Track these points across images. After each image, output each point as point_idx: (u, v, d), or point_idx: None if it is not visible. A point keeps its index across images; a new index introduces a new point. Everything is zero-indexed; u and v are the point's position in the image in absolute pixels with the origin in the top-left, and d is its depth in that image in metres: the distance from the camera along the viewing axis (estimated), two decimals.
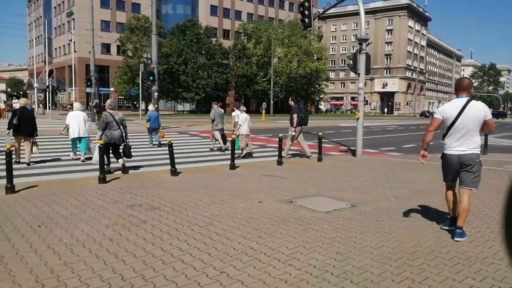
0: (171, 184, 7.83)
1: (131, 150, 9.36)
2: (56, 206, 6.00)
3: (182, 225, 5.13)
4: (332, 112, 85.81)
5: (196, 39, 52.47)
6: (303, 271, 3.75)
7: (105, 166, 8.35)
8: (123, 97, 58.90)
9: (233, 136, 10.99)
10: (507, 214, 1.06)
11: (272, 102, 53.79)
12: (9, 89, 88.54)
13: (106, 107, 9.37)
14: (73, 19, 60.73)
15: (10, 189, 6.83)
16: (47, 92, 44.67)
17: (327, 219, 5.51)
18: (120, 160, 9.05)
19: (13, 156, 8.05)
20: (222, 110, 14.98)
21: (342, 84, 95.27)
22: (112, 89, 55.71)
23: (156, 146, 14.95)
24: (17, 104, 18.21)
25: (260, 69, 59.61)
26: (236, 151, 12.18)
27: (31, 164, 10.21)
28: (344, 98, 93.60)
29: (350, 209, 6.09)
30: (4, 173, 6.88)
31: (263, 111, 42.61)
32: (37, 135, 10.43)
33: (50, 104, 45.91)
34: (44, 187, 7.35)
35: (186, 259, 4.00)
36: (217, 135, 14.36)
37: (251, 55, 59.35)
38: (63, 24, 66.22)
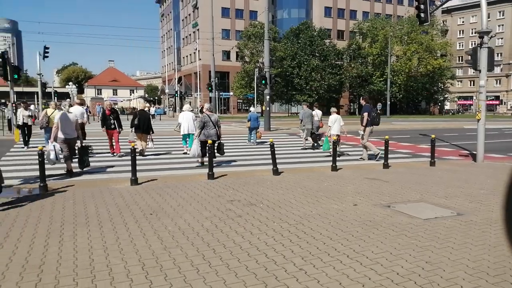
0: (271, 182, 8.14)
1: (225, 147, 10.37)
2: (168, 197, 6.75)
3: (272, 222, 5.35)
4: (460, 113, 78.02)
5: (310, 42, 52.75)
6: (384, 276, 3.64)
7: (201, 158, 10.39)
8: (241, 101, 62.09)
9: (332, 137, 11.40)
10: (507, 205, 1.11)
11: (388, 102, 51.23)
12: (146, 95, 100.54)
13: (204, 110, 10.52)
14: (198, 29, 66.11)
15: (134, 181, 7.88)
16: (176, 97, 49.44)
17: (424, 226, 5.19)
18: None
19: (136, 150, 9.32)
20: (311, 111, 15.56)
21: (471, 82, 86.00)
22: (231, 93, 59.15)
23: (255, 144, 16.23)
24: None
25: (376, 68, 57.33)
26: (326, 151, 13.23)
27: (145, 155, 12.42)
28: (474, 98, 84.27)
29: (455, 218, 5.61)
30: (130, 168, 7.97)
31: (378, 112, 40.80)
32: (152, 132, 12.76)
33: (178, 108, 50.79)
34: (161, 181, 8.29)
35: (269, 253, 4.20)
36: (305, 134, 15.13)
37: (366, 54, 57.42)
38: (190, 34, 72.51)
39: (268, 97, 23.42)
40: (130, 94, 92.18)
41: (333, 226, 5.16)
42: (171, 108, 59.03)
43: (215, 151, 9.77)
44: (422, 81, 56.54)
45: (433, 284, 3.48)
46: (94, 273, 3.68)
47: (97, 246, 4.39)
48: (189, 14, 72.64)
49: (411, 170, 10.15)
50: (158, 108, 69.09)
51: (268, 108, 23.52)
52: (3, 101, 76.38)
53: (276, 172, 9.12)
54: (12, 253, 4.17)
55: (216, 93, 41.89)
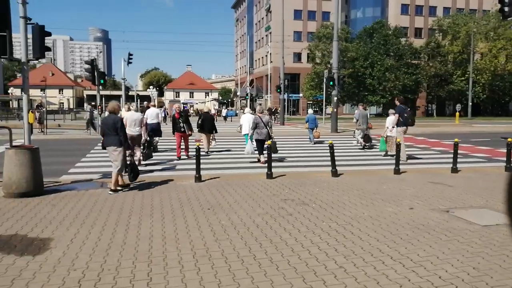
0: (328, 184, 8.20)
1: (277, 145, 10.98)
2: (226, 194, 7.15)
3: (322, 221, 5.47)
4: None
5: (384, 41, 50.99)
6: (425, 279, 3.62)
7: (258, 156, 11.52)
8: (311, 102, 61.84)
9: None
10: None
11: (470, 103, 47.71)
12: (220, 98, 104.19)
13: (256, 112, 11.57)
14: (270, 32, 67.04)
15: (198, 178, 8.42)
16: (246, 99, 50.68)
17: (481, 233, 4.97)
18: (261, 156, 11.36)
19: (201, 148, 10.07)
20: (367, 111, 16.72)
21: None
22: (301, 94, 59.14)
23: (313, 143, 17.17)
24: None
25: (457, 67, 53.65)
26: (380, 152, 13.77)
27: (209, 153, 13.55)
28: None
29: None
30: (194, 166, 8.53)
31: (457, 113, 38.25)
32: (216, 132, 13.76)
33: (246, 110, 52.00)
34: (223, 179, 8.74)
35: (313, 250, 4.35)
36: (358, 133, 16.03)
37: (446, 53, 54.00)
38: (262, 38, 73.78)
39: (335, 98, 23.19)
40: (205, 97, 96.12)
41: (382, 228, 5.15)
42: (242, 110, 60.54)
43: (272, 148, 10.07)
44: (510, 80, 51.82)
45: (479, 283, 3.40)
46: (151, 258, 4.12)
47: (157, 235, 4.86)
48: (262, 18, 73.94)
49: (482, 175, 9.54)
50: (230, 110, 71.26)
51: (335, 110, 23.28)
52: (93, 103, 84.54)
53: (334, 173, 9.14)
54: (85, 237, 4.78)
55: (286, 94, 42.28)
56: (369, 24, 54.75)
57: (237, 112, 65.35)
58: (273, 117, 37.03)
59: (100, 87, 18.97)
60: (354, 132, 17.41)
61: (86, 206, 6.28)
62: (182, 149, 12.50)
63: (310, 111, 18.01)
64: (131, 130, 10.31)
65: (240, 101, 74.11)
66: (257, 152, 11.49)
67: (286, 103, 62.09)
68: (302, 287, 3.48)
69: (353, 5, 65.97)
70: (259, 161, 11.48)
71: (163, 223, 5.34)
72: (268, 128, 11.08)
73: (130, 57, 34.76)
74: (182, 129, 12.20)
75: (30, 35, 7.69)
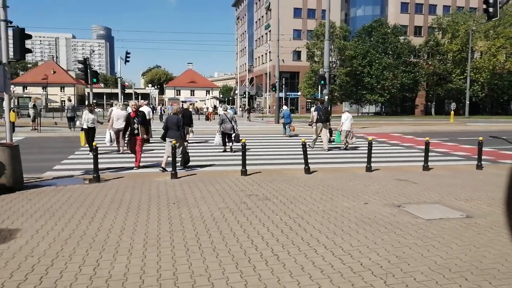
0: (298, 180, 8.54)
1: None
2: (196, 190, 7.51)
3: (276, 215, 5.82)
4: None
5: (383, 39, 51.12)
6: (347, 266, 3.97)
7: (223, 147, 13.64)
8: (310, 101, 62.07)
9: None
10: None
11: (467, 102, 47.80)
12: (221, 96, 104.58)
13: (222, 110, 13.79)
14: (270, 31, 67.25)
15: (174, 175, 8.78)
16: (244, 98, 51.01)
17: (420, 226, 5.31)
18: (229, 144, 13.75)
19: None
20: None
21: None
22: (299, 93, 59.40)
23: (288, 137, 19.77)
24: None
25: (456, 66, 53.71)
26: (338, 144, 15.97)
27: (188, 144, 15.03)
28: None
29: (460, 220, 5.62)
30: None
31: (452, 112, 38.41)
32: (192, 126, 14.94)
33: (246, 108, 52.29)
34: (199, 176, 9.10)
35: (256, 240, 4.71)
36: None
37: (445, 51, 54.06)
38: (262, 36, 74.00)
39: (326, 97, 23.46)
40: (206, 95, 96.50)
41: (329, 221, 5.49)
42: (240, 108, 60.81)
43: (233, 139, 13.47)
44: (509, 78, 51.85)
45: (388, 276, 3.74)
46: (105, 247, 4.48)
47: (117, 227, 5.23)
48: (262, 16, 74.13)
49: (452, 173, 9.85)
50: (231, 108, 71.48)
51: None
52: (94, 101, 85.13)
53: (307, 171, 9.48)
54: (50, 228, 5.16)
55: (284, 93, 42.74)
56: (369, 23, 54.87)
57: (236, 110, 65.67)
58: (249, 114, 40.41)
59: (102, 85, 19.42)
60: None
61: (60, 200, 6.66)
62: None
63: (285, 107, 21.23)
64: (117, 124, 13.12)
65: (241, 99, 74.45)
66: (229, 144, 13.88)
67: (284, 102, 62.34)
68: (233, 271, 3.83)
69: (353, 3, 66.05)
70: (225, 151, 13.56)
71: (126, 217, 5.71)
72: (232, 123, 13.42)
73: (128, 55, 35.19)
74: (136, 131, 9.96)
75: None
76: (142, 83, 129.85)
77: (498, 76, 51.94)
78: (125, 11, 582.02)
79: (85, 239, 4.74)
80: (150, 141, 14.99)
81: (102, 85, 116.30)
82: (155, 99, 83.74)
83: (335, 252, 4.34)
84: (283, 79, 54.14)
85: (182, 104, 24.73)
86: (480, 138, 10.74)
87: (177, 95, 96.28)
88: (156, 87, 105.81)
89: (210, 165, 11.19)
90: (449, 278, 3.68)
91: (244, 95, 49.45)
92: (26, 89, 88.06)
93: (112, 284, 3.56)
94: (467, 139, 19.63)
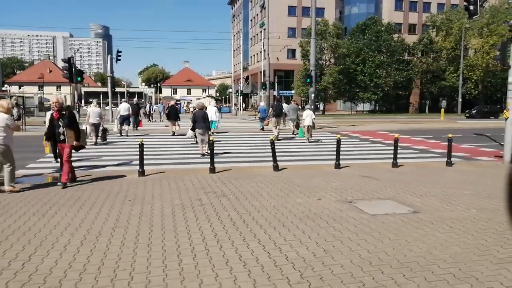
0: (264, 177, 8.62)
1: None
2: (157, 187, 7.58)
3: (226, 211, 5.91)
4: None
5: (376, 37, 51.16)
6: (272, 259, 4.06)
7: (194, 139, 14.50)
8: (304, 99, 62.10)
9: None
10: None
11: (460, 100, 47.89)
12: (217, 94, 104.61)
13: (193, 108, 15.08)
14: (264, 29, 67.24)
15: (141, 173, 8.86)
16: (238, 96, 51.12)
17: (363, 221, 5.40)
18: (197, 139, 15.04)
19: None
20: (296, 106, 20.38)
21: None
22: (293, 91, 59.46)
23: (262, 130, 21.95)
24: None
25: (450, 63, 53.82)
26: (301, 138, 17.86)
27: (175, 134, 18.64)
28: None
29: (404, 215, 5.70)
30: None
31: (442, 110, 38.49)
32: (179, 119, 19.06)
33: (242, 106, 52.40)
34: (168, 174, 9.16)
35: (194, 235, 4.80)
36: (290, 124, 20.28)
37: (439, 49, 54.13)
38: (257, 34, 73.99)
39: (312, 95, 23.55)
40: (203, 93, 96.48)
41: (274, 217, 5.58)
42: (236, 106, 60.89)
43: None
44: (502, 76, 51.84)
45: (306, 269, 3.82)
46: (42, 242, 4.57)
47: (63, 223, 5.31)
48: (257, 14, 74.10)
49: (421, 170, 9.94)
50: (226, 106, 71.61)
51: (312, 107, 23.58)
52: (91, 100, 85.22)
53: (276, 168, 9.56)
54: None
55: (271, 91, 42.77)
56: (362, 20, 54.88)
57: (232, 108, 65.69)
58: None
59: (99, 84, 19.60)
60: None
61: (17, 198, 6.74)
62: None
63: (262, 103, 24.77)
64: (93, 119, 15.15)
65: (237, 97, 74.51)
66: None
67: (278, 98, 61.93)
68: (158, 265, 3.92)
69: (347, 1, 65.99)
70: (196, 142, 14.07)
71: (77, 214, 5.79)
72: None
73: (119, 54, 35.18)
74: (62, 137, 7.80)
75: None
76: (139, 82, 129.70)
77: (491, 73, 51.99)
78: (123, 9, 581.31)
79: (27, 235, 4.82)
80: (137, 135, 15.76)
81: (99, 84, 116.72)
82: (151, 98, 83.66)
83: (267, 246, 4.43)
84: (276, 77, 54.15)
85: (169, 101, 25.62)
86: (450, 135, 10.84)
87: (173, 93, 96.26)
88: (152, 86, 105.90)
89: (184, 163, 11.27)
90: (366, 271, 3.77)
91: (237, 93, 49.42)
92: (22, 88, 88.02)
93: (34, 277, 3.64)
94: (448, 137, 19.69)
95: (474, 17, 17.29)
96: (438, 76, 54.46)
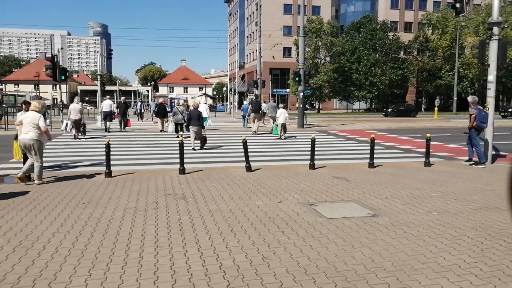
0: (233, 179, 8.42)
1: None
2: (119, 189, 7.38)
3: (177, 214, 5.72)
4: None
5: (371, 35, 50.93)
6: (205, 267, 3.87)
7: (176, 134, 17.05)
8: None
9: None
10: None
11: (455, 98, 47.69)
12: (214, 92, 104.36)
13: (175, 104, 16.35)
14: (260, 27, 66.93)
15: (108, 174, 8.65)
16: (232, 94, 50.90)
17: (316, 225, 5.21)
18: (181, 132, 16.93)
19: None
20: (275, 104, 22.17)
21: None
22: (288, 90, 59.25)
23: (246, 128, 22.48)
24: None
25: (446, 62, 53.61)
26: (275, 135, 18.84)
27: (165, 130, 19.55)
28: None
29: (361, 219, 5.52)
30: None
31: (436, 108, 38.30)
32: (167, 116, 20.28)
33: (235, 104, 52.17)
34: (135, 175, 8.93)
35: (134, 242, 4.60)
36: (270, 121, 21.17)
37: (435, 47, 53.89)
38: (253, 32, 73.64)
39: (301, 94, 23.33)
40: (199, 92, 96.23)
41: (225, 221, 5.39)
42: (232, 105, 60.65)
43: (185, 128, 15.53)
44: (497, 74, 51.60)
45: (237, 278, 3.63)
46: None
47: (5, 227, 5.11)
48: (253, 12, 73.76)
49: (397, 170, 9.74)
50: (222, 105, 71.36)
51: (301, 105, 23.43)
52: (86, 99, 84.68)
53: (248, 168, 9.36)
54: None
55: (268, 89, 42.66)
56: (357, 19, 54.65)
57: (225, 107, 65.47)
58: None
59: (96, 82, 19.42)
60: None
61: None
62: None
63: (245, 102, 24.54)
64: (74, 115, 16.33)
65: (233, 96, 74.27)
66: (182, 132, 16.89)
67: (273, 98, 61.81)
68: (82, 274, 3.72)
69: None
70: (177, 137, 15.28)
71: (24, 217, 5.58)
72: (182, 115, 16.62)
73: (110, 52, 34.94)
74: None
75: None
76: (136, 81, 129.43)
77: (487, 72, 51.71)
78: (122, 7, 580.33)
79: None
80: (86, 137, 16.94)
81: (96, 82, 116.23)
82: (146, 96, 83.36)
83: (205, 253, 4.24)
84: (271, 75, 53.91)
85: (158, 99, 25.71)
86: (428, 135, 10.64)
87: (170, 92, 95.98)
88: (149, 84, 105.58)
89: (160, 163, 11.08)
90: (298, 280, 3.58)
91: (231, 92, 49.17)
92: (18, 86, 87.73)
93: None
94: (439, 136, 19.56)
95: (460, 14, 17.13)
96: (434, 75, 54.27)
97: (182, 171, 9.05)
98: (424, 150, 14.23)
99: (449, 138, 18.58)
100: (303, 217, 5.56)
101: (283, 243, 4.53)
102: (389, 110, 40.10)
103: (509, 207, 1.69)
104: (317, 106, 58.67)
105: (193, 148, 13.48)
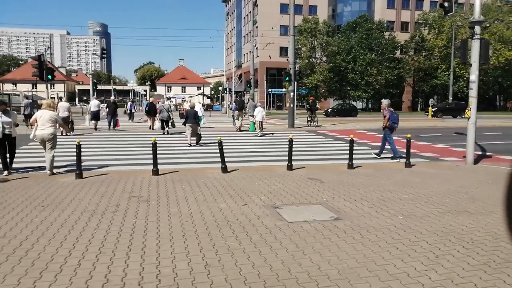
0: (204, 180, 8.24)
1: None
2: (84, 191, 7.20)
3: (136, 217, 5.55)
4: None
5: (367, 35, 50.75)
6: (142, 276, 3.70)
7: (162, 131, 18.55)
8: (296, 97, 61.60)
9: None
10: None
11: (451, 98, 47.49)
12: (212, 92, 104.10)
13: (161, 103, 17.86)
14: (257, 27, 66.75)
15: (79, 175, 8.48)
16: (227, 93, 50.73)
17: (272, 230, 5.04)
18: (167, 128, 18.33)
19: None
20: (255, 103, 23.84)
21: None
22: (284, 89, 59.06)
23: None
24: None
25: (442, 61, 53.42)
26: (253, 132, 20.13)
27: (154, 128, 20.47)
28: None
29: (322, 222, 5.35)
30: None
31: (430, 108, 38.12)
32: (155, 115, 20.12)
33: (229, 104, 51.98)
34: (109, 175, 8.76)
35: (78, 247, 4.43)
36: (250, 119, 22.43)
37: (431, 47, 53.72)
38: (250, 32, 73.42)
39: (292, 93, 23.15)
40: (197, 91, 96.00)
41: (181, 225, 5.22)
42: (230, 105, 60.52)
43: (170, 125, 18.36)
44: (493, 74, 51.56)
45: (172, 287, 3.47)
46: None
47: None
48: (250, 12, 73.46)
49: (376, 171, 9.55)
50: (218, 105, 71.18)
51: (292, 105, 23.25)
52: (84, 98, 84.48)
53: (224, 170, 9.19)
54: None
55: (264, 89, 42.46)
56: (353, 18, 54.46)
57: (225, 106, 65.18)
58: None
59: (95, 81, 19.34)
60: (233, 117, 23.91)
61: None
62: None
63: (233, 100, 26.81)
64: (62, 113, 16.53)
65: (231, 95, 74.10)
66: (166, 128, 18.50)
67: (270, 98, 62.08)
68: (10, 283, 3.55)
69: None
70: (164, 133, 17.65)
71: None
72: (168, 112, 18.14)
73: (104, 52, 34.79)
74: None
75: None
76: (135, 80, 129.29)
77: (483, 71, 51.55)
78: (122, 7, 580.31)
79: None
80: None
81: (95, 81, 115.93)
82: (144, 96, 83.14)
83: (147, 260, 4.06)
84: (267, 75, 53.76)
85: (150, 99, 25.75)
86: (408, 135, 10.49)
87: (168, 91, 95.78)
88: (147, 83, 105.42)
89: (137, 164, 10.91)
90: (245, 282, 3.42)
91: (226, 91, 48.99)
92: (15, 86, 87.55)
93: None
94: (429, 136, 19.46)
95: (449, 14, 16.96)
96: (430, 74, 54.09)
97: (156, 172, 8.88)
98: (413, 150, 14.17)
99: (439, 138, 18.45)
100: (262, 221, 5.39)
101: (232, 249, 4.36)
102: (329, 110, 41.11)
103: (505, 213, 1.71)
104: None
105: (189, 144, 14.46)
